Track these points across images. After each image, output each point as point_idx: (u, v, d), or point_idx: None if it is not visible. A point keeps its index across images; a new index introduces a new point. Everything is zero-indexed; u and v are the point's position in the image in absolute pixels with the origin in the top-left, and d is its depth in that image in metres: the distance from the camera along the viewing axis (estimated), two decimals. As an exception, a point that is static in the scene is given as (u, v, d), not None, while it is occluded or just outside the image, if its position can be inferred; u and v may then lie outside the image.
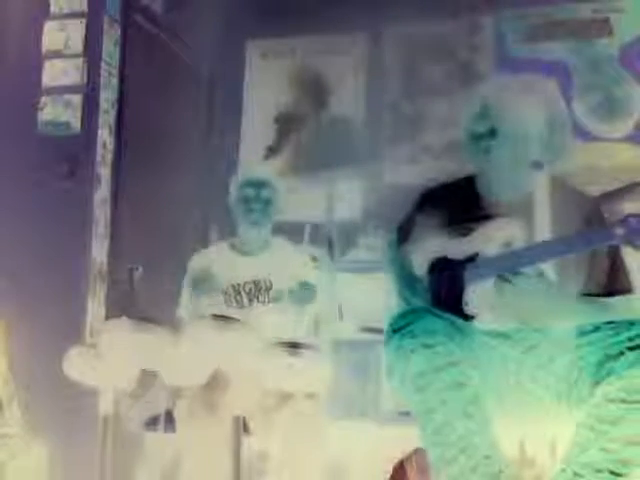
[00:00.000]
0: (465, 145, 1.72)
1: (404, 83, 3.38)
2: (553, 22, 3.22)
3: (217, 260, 2.39)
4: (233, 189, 2.44)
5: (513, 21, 3.26)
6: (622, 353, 1.37)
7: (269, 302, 2.32)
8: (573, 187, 1.73)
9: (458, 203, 1.73)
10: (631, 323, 1.41)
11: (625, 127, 3.08)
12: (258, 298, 2.33)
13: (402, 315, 1.50)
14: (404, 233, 1.82)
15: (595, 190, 2.22)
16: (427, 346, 1.42)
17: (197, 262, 2.41)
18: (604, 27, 3.14)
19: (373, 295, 2.54)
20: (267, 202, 2.38)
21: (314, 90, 3.46)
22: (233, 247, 2.44)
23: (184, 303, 2.39)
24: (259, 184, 2.39)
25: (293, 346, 1.87)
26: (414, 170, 3.25)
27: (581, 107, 3.11)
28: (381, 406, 2.72)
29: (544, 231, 1.59)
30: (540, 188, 1.66)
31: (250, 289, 2.34)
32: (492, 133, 1.66)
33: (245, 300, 2.33)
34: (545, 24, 3.22)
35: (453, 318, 1.51)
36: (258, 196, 2.37)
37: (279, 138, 3.47)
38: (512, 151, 1.66)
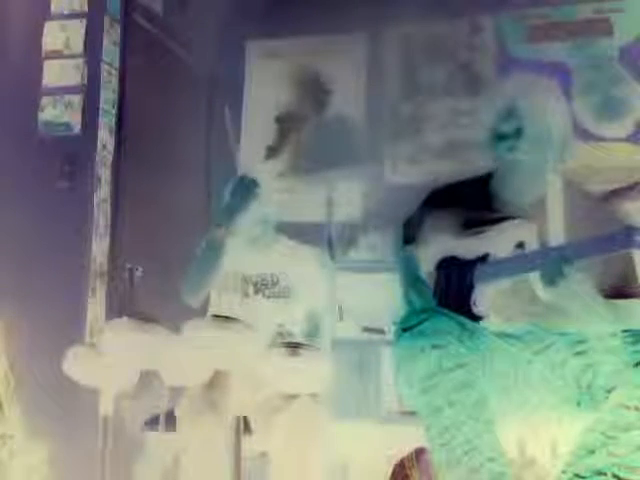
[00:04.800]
0: (488, 143, 1.71)
1: (404, 83, 3.38)
2: (553, 22, 3.21)
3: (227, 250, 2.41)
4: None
5: (513, 21, 3.26)
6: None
7: (273, 297, 2.33)
8: (586, 190, 1.73)
9: (469, 203, 1.72)
10: None
11: (625, 127, 3.07)
12: (264, 292, 2.33)
13: (412, 314, 1.50)
14: (411, 231, 1.81)
15: (595, 190, 2.21)
16: (436, 347, 1.42)
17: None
18: (604, 27, 3.14)
19: (373, 295, 2.54)
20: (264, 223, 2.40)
21: (314, 90, 3.46)
22: (243, 240, 2.44)
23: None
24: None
25: (294, 346, 1.87)
26: (414, 170, 3.25)
27: (581, 107, 3.11)
28: (382, 406, 2.71)
29: (557, 233, 1.59)
30: (553, 190, 1.66)
31: (256, 282, 2.34)
32: (518, 133, 1.65)
33: (251, 289, 2.34)
34: (545, 24, 3.22)
35: (463, 319, 1.51)
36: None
37: (279, 138, 3.47)
38: (535, 152, 1.65)
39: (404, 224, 1.85)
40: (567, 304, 1.51)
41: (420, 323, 1.45)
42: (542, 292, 1.51)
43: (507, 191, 1.70)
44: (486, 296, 1.61)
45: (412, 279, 1.73)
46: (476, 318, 1.60)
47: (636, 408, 1.35)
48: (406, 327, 1.47)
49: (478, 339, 1.49)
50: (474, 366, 1.43)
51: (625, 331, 1.44)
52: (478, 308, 1.60)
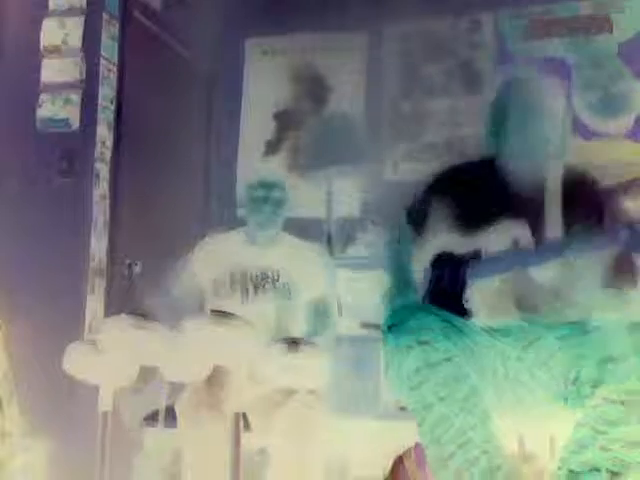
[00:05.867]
0: (486, 129, 1.72)
1: (404, 81, 3.38)
2: (553, 19, 3.21)
3: (229, 245, 2.41)
4: (242, 188, 2.45)
5: (513, 18, 3.25)
6: (625, 355, 1.38)
7: (273, 293, 2.32)
8: (587, 179, 1.73)
9: (471, 187, 1.71)
10: (635, 326, 1.42)
11: (625, 124, 3.07)
12: (264, 288, 2.32)
13: (397, 312, 1.50)
14: (418, 217, 1.79)
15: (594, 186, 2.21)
16: (422, 342, 1.43)
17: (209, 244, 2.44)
18: (604, 24, 3.14)
19: (372, 291, 2.54)
20: (277, 203, 2.38)
21: (314, 87, 3.46)
22: (247, 235, 2.44)
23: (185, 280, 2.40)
24: (269, 185, 2.38)
25: (293, 342, 1.87)
26: (413, 167, 3.25)
27: (581, 104, 3.10)
28: (381, 401, 2.71)
29: (556, 223, 1.59)
30: (553, 179, 1.66)
31: (257, 277, 2.34)
32: (513, 119, 1.65)
33: (251, 286, 2.33)
34: (545, 21, 3.22)
35: (448, 315, 1.52)
36: (268, 198, 2.37)
37: (278, 135, 3.47)
38: (531, 147, 1.66)
39: (407, 212, 1.83)
40: (570, 288, 1.51)
41: (405, 320, 1.46)
42: (542, 278, 1.52)
43: (508, 178, 1.70)
44: (477, 292, 1.61)
45: (398, 276, 1.72)
46: (468, 314, 1.60)
47: (622, 402, 1.35)
48: (392, 325, 1.47)
49: (465, 334, 1.50)
50: (462, 360, 1.44)
51: (609, 323, 1.45)
52: (469, 304, 1.61)
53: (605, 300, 1.54)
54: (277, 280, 2.33)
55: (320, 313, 2.34)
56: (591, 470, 1.34)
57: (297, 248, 2.42)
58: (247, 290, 2.33)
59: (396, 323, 1.47)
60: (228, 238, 2.46)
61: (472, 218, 1.65)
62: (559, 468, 1.39)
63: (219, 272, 2.35)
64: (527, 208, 1.64)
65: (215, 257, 2.39)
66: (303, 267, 2.36)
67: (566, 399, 1.48)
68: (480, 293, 1.61)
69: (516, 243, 1.61)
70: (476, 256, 1.64)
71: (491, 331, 1.57)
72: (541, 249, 1.55)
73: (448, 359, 1.42)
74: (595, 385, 1.40)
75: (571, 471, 1.36)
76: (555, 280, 1.52)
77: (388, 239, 1.86)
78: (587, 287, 1.53)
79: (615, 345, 1.40)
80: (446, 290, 1.64)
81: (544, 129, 1.66)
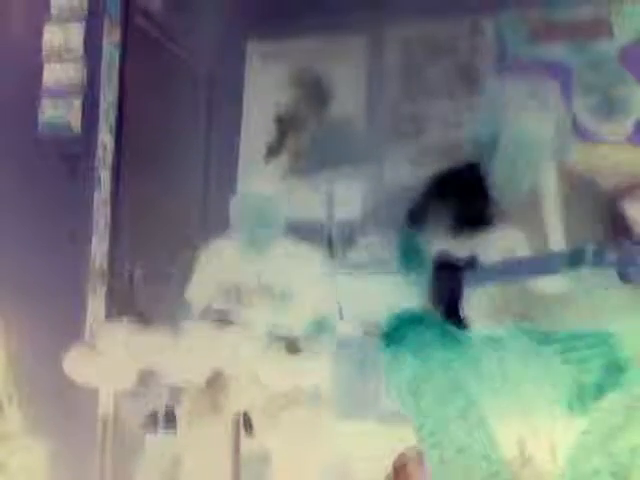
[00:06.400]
0: (470, 148, 1.72)
1: (404, 84, 3.38)
2: (554, 23, 3.22)
3: (230, 250, 2.41)
4: (234, 202, 2.46)
5: (513, 22, 3.26)
6: (629, 362, 1.38)
7: (274, 297, 2.33)
8: (586, 182, 1.73)
9: (468, 191, 1.71)
10: (637, 333, 1.42)
11: (625, 128, 3.08)
12: (265, 291, 2.33)
13: (395, 322, 1.51)
14: (417, 220, 1.78)
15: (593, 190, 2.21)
16: (420, 351, 1.44)
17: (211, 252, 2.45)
18: (604, 28, 3.14)
19: (373, 295, 2.54)
20: (271, 218, 2.40)
21: (314, 91, 3.46)
22: (247, 240, 2.44)
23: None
24: (263, 199, 2.40)
25: (292, 345, 1.88)
26: (414, 171, 3.25)
27: (581, 107, 3.11)
28: (383, 404, 2.71)
29: (555, 230, 1.59)
30: (549, 186, 1.66)
31: (257, 281, 2.34)
32: (496, 138, 1.66)
33: (251, 292, 2.34)
34: (546, 25, 3.23)
35: (446, 324, 1.52)
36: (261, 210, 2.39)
37: (279, 139, 3.48)
38: (518, 156, 1.66)
39: (409, 215, 1.83)
40: (573, 297, 1.51)
41: (403, 330, 1.47)
42: (544, 287, 1.52)
43: (499, 189, 1.70)
44: (474, 300, 1.61)
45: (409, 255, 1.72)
46: (465, 322, 1.60)
47: (628, 408, 1.35)
48: (390, 335, 1.48)
49: (462, 343, 1.50)
50: (460, 367, 1.44)
51: (611, 333, 1.45)
52: (466, 313, 1.61)
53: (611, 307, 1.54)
54: (278, 283, 2.34)
55: (320, 316, 2.35)
56: (595, 476, 1.34)
57: (296, 251, 2.43)
58: (248, 293, 2.33)
59: (394, 332, 1.48)
60: (229, 242, 2.47)
61: (469, 222, 1.65)
62: (562, 475, 1.39)
63: (221, 276, 2.36)
64: (524, 215, 1.64)
65: (216, 261, 2.40)
66: (302, 270, 2.36)
67: (570, 406, 1.48)
68: (478, 302, 1.61)
69: (513, 250, 1.61)
70: (473, 262, 1.64)
71: (490, 340, 1.57)
72: (544, 260, 1.54)
73: (446, 366, 1.43)
74: (599, 392, 1.40)
75: (575, 478, 1.36)
76: (558, 290, 1.52)
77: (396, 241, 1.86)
78: (593, 296, 1.53)
79: (618, 352, 1.40)
80: (444, 298, 1.64)
81: (539, 133, 1.66)
